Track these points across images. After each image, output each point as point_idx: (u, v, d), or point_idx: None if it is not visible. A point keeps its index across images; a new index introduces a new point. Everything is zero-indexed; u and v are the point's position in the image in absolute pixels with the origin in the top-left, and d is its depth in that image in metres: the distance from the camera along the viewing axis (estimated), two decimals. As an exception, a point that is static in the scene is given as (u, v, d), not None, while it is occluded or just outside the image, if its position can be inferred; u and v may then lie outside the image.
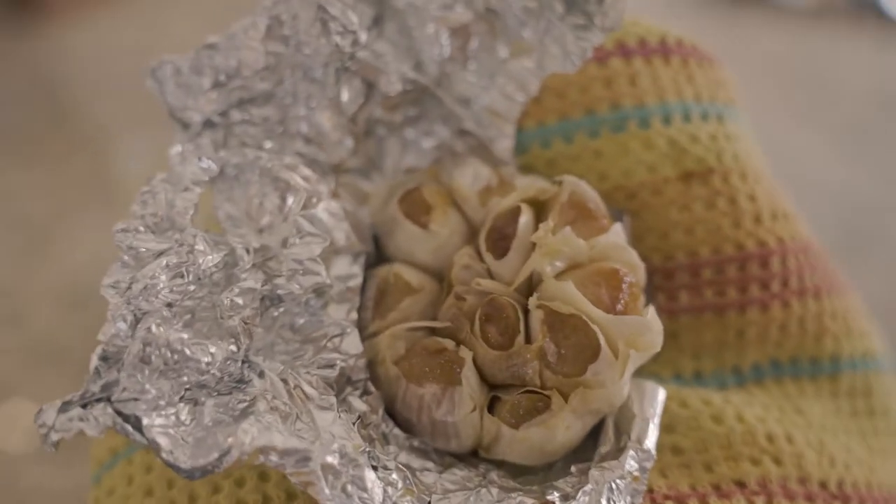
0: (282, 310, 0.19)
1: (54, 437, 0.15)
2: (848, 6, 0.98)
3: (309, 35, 0.20)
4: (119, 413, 0.16)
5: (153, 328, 0.16)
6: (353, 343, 0.19)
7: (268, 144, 0.20)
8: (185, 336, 0.17)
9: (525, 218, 0.20)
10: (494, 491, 0.18)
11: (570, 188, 0.20)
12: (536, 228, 0.20)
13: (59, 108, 0.82)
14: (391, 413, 0.20)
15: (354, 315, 0.20)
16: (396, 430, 0.19)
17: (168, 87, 0.20)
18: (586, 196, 0.21)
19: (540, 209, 0.20)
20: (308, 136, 0.21)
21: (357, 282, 0.20)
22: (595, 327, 0.18)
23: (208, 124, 0.20)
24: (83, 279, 0.60)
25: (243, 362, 0.18)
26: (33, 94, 0.84)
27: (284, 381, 0.18)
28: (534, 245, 0.19)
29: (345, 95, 0.21)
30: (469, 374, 0.19)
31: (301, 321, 0.19)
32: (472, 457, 0.20)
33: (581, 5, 0.21)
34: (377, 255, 0.22)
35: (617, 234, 0.20)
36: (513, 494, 0.18)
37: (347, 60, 0.21)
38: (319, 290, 0.19)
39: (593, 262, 0.19)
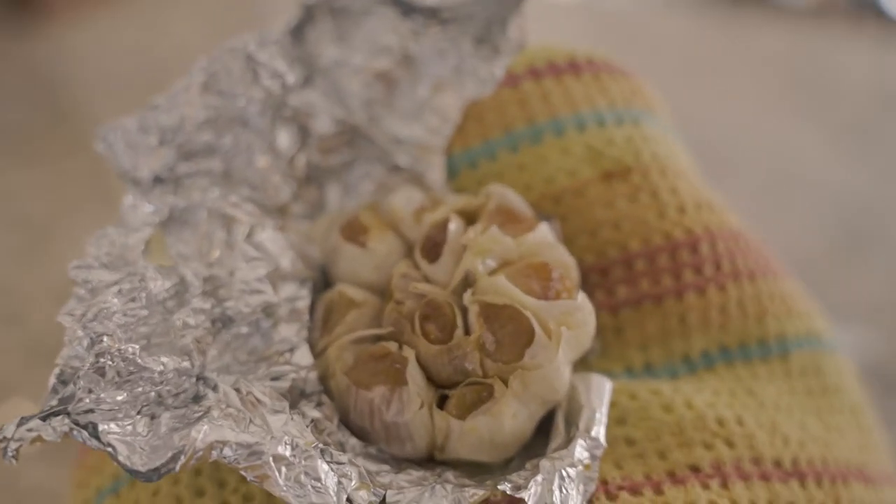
0: (233, 330, 0.20)
1: (13, 446, 0.16)
2: (848, 6, 0.98)
3: (242, 85, 0.22)
4: (76, 422, 0.16)
5: (106, 340, 0.17)
6: (303, 356, 0.20)
7: (215, 192, 0.22)
8: (138, 347, 0.17)
9: (455, 224, 0.21)
10: (449, 487, 0.18)
11: (496, 196, 0.22)
12: (464, 232, 0.21)
13: (59, 108, 0.82)
14: (346, 425, 0.20)
15: (304, 333, 0.21)
16: (353, 440, 0.19)
17: (118, 149, 0.21)
18: (511, 201, 0.22)
19: (469, 219, 0.22)
20: (252, 182, 0.22)
21: (305, 303, 0.21)
22: (528, 313, 0.19)
23: (157, 180, 0.21)
24: (83, 279, 0.60)
25: (198, 379, 0.18)
26: (33, 94, 0.84)
27: (237, 390, 0.18)
28: (465, 248, 0.20)
29: (281, 141, 0.23)
30: (414, 372, 0.19)
31: (252, 341, 0.20)
32: (429, 462, 0.20)
33: (487, 39, 0.24)
34: (325, 286, 0.23)
35: (544, 232, 0.21)
36: (466, 487, 0.18)
37: (280, 107, 0.23)
38: (268, 310, 0.20)
39: (523, 259, 0.20)
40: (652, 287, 0.24)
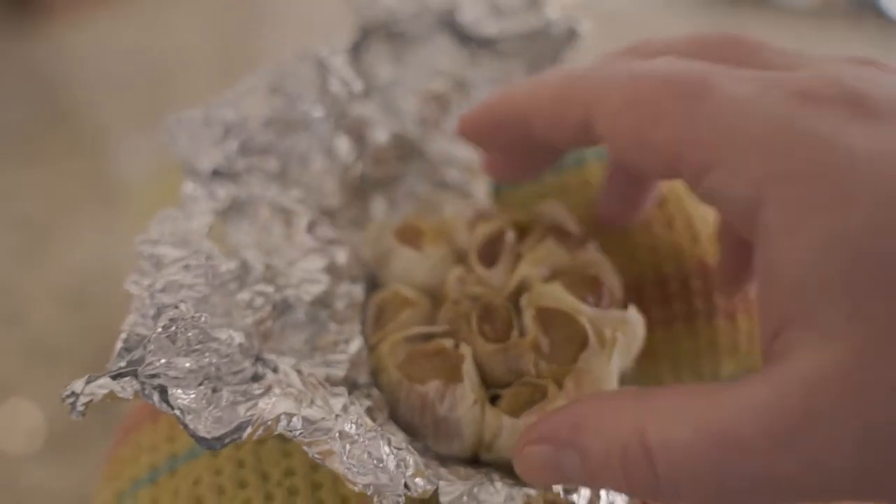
0: (291, 317, 0.20)
1: (82, 400, 0.16)
2: (847, 6, 0.98)
3: (309, 89, 0.23)
4: (146, 384, 0.16)
5: (181, 306, 0.17)
6: (357, 348, 0.20)
7: (272, 188, 0.22)
8: (207, 316, 0.18)
9: (511, 234, 0.22)
10: (498, 484, 0.18)
11: (549, 212, 0.23)
12: (520, 243, 0.22)
13: (59, 108, 0.82)
14: (394, 420, 0.20)
15: (359, 327, 0.21)
16: (400, 434, 0.20)
17: (181, 139, 0.22)
18: (564, 219, 0.22)
19: (521, 232, 0.22)
20: (306, 184, 0.23)
21: (359, 300, 0.22)
22: (583, 319, 0.19)
23: (216, 172, 0.22)
24: (83, 279, 0.60)
25: (256, 359, 0.18)
26: (33, 94, 0.84)
27: (298, 371, 0.19)
28: (520, 257, 0.21)
29: (339, 148, 0.23)
30: (470, 369, 0.19)
31: (309, 329, 0.20)
32: (473, 462, 0.20)
33: (538, 71, 0.25)
34: (372, 288, 0.23)
35: (593, 250, 0.22)
36: (517, 487, 0.18)
37: (342, 115, 0.23)
38: (325, 301, 0.21)
39: (575, 272, 0.21)
40: (684, 308, 0.24)
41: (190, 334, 0.17)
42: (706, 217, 0.25)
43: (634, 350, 0.21)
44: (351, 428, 0.17)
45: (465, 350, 0.20)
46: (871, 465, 0.13)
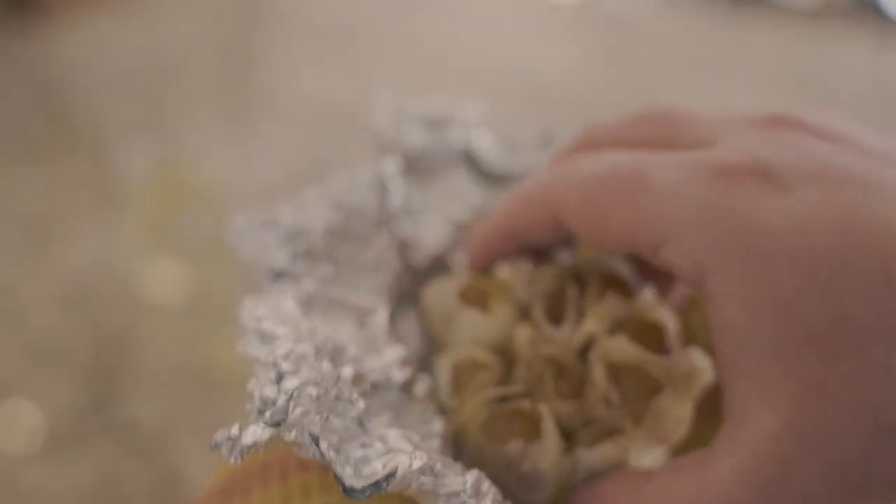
0: (379, 397, 0.22)
1: (244, 444, 0.17)
2: (847, 6, 0.98)
3: (365, 203, 0.26)
4: (300, 433, 0.18)
5: (325, 364, 0.19)
6: (439, 425, 0.22)
7: (332, 289, 0.25)
8: (329, 382, 0.20)
9: (572, 290, 0.23)
10: None
11: (602, 262, 0.24)
12: (581, 296, 0.23)
13: (59, 108, 0.82)
14: None
15: (432, 406, 0.23)
16: (493, 490, 0.22)
17: (246, 241, 0.25)
18: (616, 265, 0.24)
19: (578, 281, 0.24)
20: (357, 287, 0.25)
21: (436, 380, 0.24)
22: (653, 369, 0.21)
23: (279, 274, 0.24)
24: (83, 279, 0.60)
25: (359, 423, 0.21)
26: (33, 94, 0.84)
27: (407, 438, 0.20)
28: (582, 312, 0.23)
29: (385, 260, 0.26)
30: (550, 427, 0.21)
31: (395, 408, 0.23)
32: None
33: None
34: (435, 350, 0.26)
35: (649, 294, 0.23)
36: None
37: (389, 227, 0.26)
38: (406, 386, 0.23)
39: (634, 320, 0.22)
40: None
41: (322, 393, 0.19)
42: None
43: (699, 392, 0.22)
44: (468, 485, 0.19)
45: (544, 410, 0.21)
46: (839, 492, 0.16)
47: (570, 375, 0.22)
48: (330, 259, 0.25)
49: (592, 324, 0.22)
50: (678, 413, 0.21)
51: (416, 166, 0.28)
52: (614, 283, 0.23)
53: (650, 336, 0.22)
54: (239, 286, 0.52)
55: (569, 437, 0.21)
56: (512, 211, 0.22)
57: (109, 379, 0.52)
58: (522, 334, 0.22)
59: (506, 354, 0.23)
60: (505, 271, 0.24)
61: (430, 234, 0.26)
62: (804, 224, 0.16)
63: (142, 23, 0.98)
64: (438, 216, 0.27)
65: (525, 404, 0.21)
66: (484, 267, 0.24)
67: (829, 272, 0.15)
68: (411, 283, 0.26)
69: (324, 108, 0.78)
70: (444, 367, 0.23)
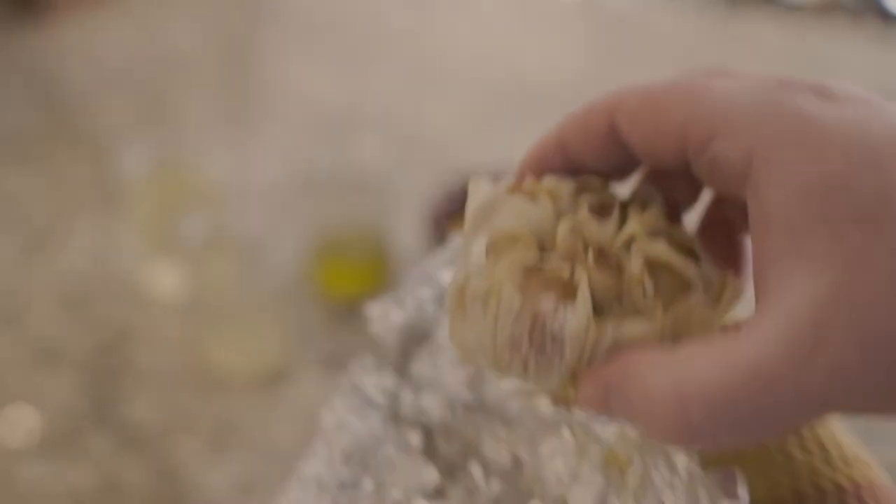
0: None
1: None
2: (849, 4, 0.98)
3: (364, 419, 0.27)
4: None
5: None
6: None
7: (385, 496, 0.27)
8: None
9: (617, 202, 0.23)
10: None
11: (644, 191, 0.24)
12: (625, 209, 0.23)
13: (59, 108, 0.82)
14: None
15: None
16: None
17: None
18: (657, 198, 0.24)
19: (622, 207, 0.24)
20: (399, 483, 0.27)
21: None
22: (689, 272, 0.21)
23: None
24: (83, 279, 0.60)
25: None
26: (33, 95, 0.84)
27: None
28: (627, 218, 0.23)
29: (412, 441, 0.27)
30: (585, 289, 0.20)
31: None
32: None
33: None
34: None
35: (687, 230, 0.23)
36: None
37: (400, 416, 0.27)
38: None
39: (674, 240, 0.22)
40: None
41: None
42: (839, 441, 0.27)
43: (731, 309, 0.22)
44: None
45: (581, 274, 0.20)
46: (872, 364, 0.16)
47: (608, 259, 0.21)
48: (362, 478, 0.26)
49: (635, 225, 0.22)
50: (705, 316, 0.21)
51: (420, 335, 0.28)
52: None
53: (690, 257, 0.22)
54: (239, 286, 0.52)
55: (600, 312, 0.21)
56: (569, 120, 0.22)
57: (109, 379, 0.52)
58: (565, 225, 0.22)
59: (546, 248, 0.22)
60: (552, 182, 0.23)
61: (445, 395, 0.27)
62: (856, 121, 0.17)
63: (142, 23, 0.98)
64: (445, 390, 0.28)
65: (563, 271, 0.21)
66: (534, 175, 0.23)
67: (876, 155, 0.16)
68: (449, 446, 0.27)
69: (324, 108, 0.78)
70: (479, 244, 0.22)
